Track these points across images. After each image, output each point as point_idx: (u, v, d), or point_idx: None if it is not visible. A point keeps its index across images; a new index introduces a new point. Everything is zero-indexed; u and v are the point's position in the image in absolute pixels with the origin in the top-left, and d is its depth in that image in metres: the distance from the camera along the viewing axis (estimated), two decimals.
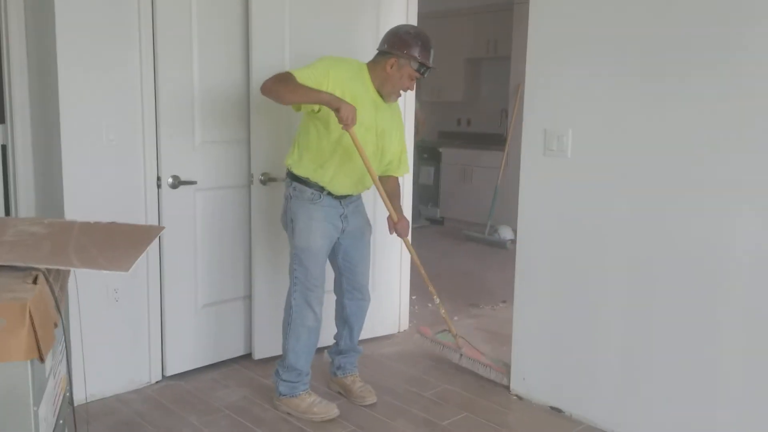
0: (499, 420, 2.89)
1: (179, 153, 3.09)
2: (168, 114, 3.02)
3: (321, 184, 2.78)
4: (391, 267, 3.83)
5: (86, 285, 2.86)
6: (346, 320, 3.06)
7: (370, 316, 3.71)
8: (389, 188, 3.00)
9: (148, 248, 1.65)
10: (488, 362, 3.24)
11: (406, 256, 3.90)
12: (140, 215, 2.99)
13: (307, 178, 2.78)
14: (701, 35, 2.40)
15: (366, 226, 3.02)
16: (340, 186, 2.81)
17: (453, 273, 5.42)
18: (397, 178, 3.06)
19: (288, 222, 2.84)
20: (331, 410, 2.86)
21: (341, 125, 2.58)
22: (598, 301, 2.78)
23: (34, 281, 1.35)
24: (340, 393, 3.10)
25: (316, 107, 2.64)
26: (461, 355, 3.31)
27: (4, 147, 3.02)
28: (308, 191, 2.78)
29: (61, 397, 1.72)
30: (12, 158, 3.00)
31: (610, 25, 2.65)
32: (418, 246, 5.54)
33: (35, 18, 2.89)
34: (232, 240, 3.35)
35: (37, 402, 1.34)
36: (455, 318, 4.22)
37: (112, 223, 1.71)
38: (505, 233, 6.12)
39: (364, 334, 3.74)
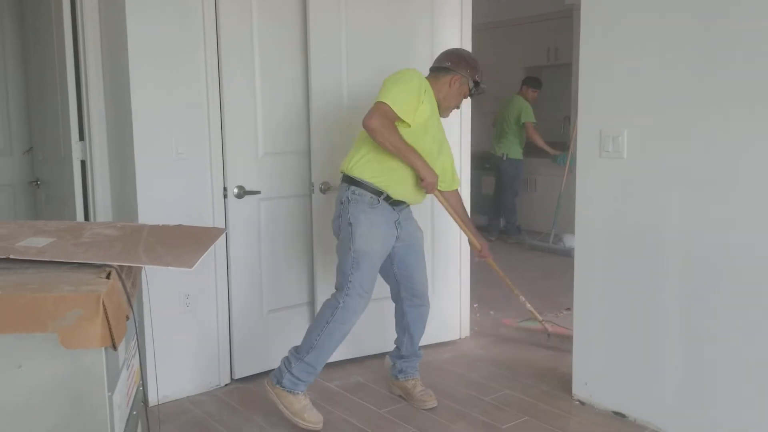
0: (560, 424, 2.87)
1: (244, 164, 3.23)
2: (233, 127, 3.17)
3: (382, 187, 2.80)
4: (451, 274, 3.87)
5: (160, 292, 3.03)
6: (407, 327, 3.09)
7: (430, 323, 3.74)
8: (455, 203, 3.11)
9: (210, 248, 1.76)
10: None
11: (466, 263, 3.93)
12: (208, 224, 3.14)
13: (368, 181, 2.80)
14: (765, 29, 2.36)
15: (418, 232, 3.05)
16: (402, 191, 2.85)
17: (517, 282, 5.32)
18: (458, 192, 3.15)
19: (345, 226, 2.83)
20: (320, 421, 2.83)
21: (423, 188, 2.82)
22: (658, 303, 2.73)
23: (108, 276, 1.46)
24: (401, 396, 3.13)
25: (411, 118, 2.73)
26: (549, 334, 3.45)
27: (83, 162, 3.23)
28: (368, 195, 2.81)
29: (135, 390, 1.83)
30: (90, 172, 3.20)
31: (663, 24, 2.63)
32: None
33: (110, 41, 3.09)
34: (295, 247, 3.46)
35: (112, 388, 1.44)
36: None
37: (179, 225, 1.84)
38: (569, 241, 6.03)
39: (425, 340, 3.78)
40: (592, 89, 2.91)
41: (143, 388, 2.14)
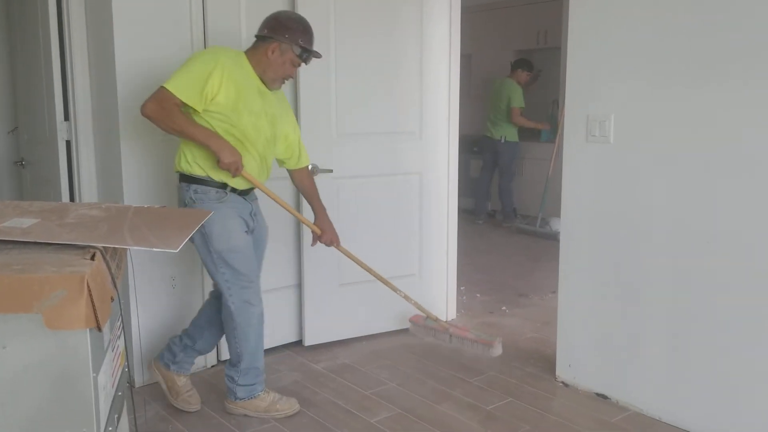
0: (543, 405, 2.91)
1: None
2: None
3: (223, 178, 2.62)
4: (438, 256, 3.88)
5: (146, 274, 3.03)
6: (218, 324, 2.85)
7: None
8: (307, 184, 2.92)
9: (195, 230, 1.76)
10: (474, 337, 3.16)
11: (453, 244, 3.95)
12: None
13: (206, 176, 2.61)
14: (752, 17, 2.37)
15: (264, 230, 2.88)
16: (238, 180, 2.64)
17: (503, 264, 5.43)
18: (309, 170, 2.95)
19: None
20: (293, 405, 2.83)
21: (229, 172, 2.53)
22: (642, 287, 2.76)
23: (92, 258, 1.46)
24: (160, 384, 2.93)
25: (209, 98, 2.51)
26: (450, 335, 3.21)
27: (68, 142, 3.20)
28: (212, 191, 2.62)
29: (120, 371, 1.84)
30: (76, 152, 3.18)
31: (653, 8, 2.63)
32: (469, 238, 5.59)
33: (94, 19, 3.05)
34: (282, 229, 3.46)
35: (96, 369, 1.45)
36: (504, 308, 4.25)
37: (164, 207, 1.83)
38: (556, 225, 6.06)
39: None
40: (579, 73, 2.91)
41: (129, 370, 2.15)
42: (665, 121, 2.63)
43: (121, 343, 1.86)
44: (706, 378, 2.59)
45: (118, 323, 1.81)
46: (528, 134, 6.94)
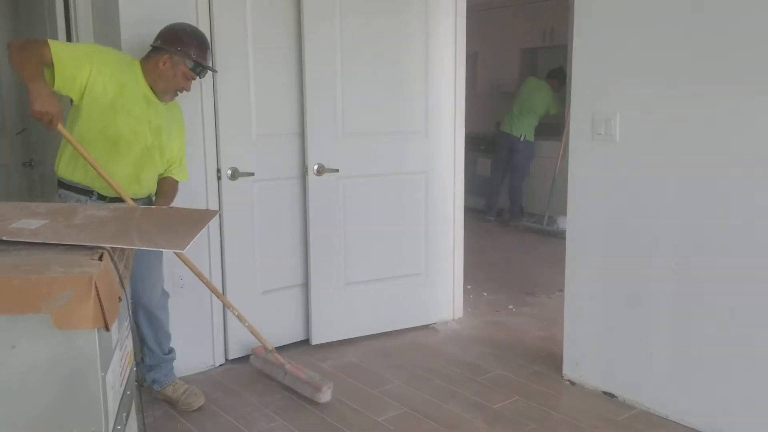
0: (550, 404, 2.91)
1: (237, 146, 3.23)
2: (226, 108, 3.17)
3: (87, 184, 2.53)
4: (445, 255, 3.88)
5: None
6: (144, 338, 2.87)
7: (424, 302, 3.78)
8: (164, 187, 2.78)
9: (203, 229, 1.77)
10: (307, 378, 2.96)
11: (459, 243, 3.95)
12: (202, 206, 3.14)
13: (70, 180, 2.54)
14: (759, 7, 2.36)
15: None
16: (105, 186, 2.52)
17: (510, 263, 5.43)
18: (174, 180, 2.83)
19: None
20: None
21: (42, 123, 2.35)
22: (649, 285, 2.76)
23: (100, 258, 1.47)
24: (167, 402, 2.94)
25: (82, 82, 2.42)
26: (285, 372, 3.04)
27: None
28: (74, 197, 2.52)
29: (128, 370, 1.85)
30: None
31: (659, 4, 2.62)
32: (476, 237, 5.58)
33: (101, 18, 3.07)
34: (289, 229, 3.48)
35: (105, 368, 1.46)
36: (510, 307, 4.25)
37: (171, 207, 1.84)
38: (563, 223, 6.04)
39: (419, 320, 3.82)
40: (585, 71, 2.91)
41: (137, 369, 2.17)
42: (672, 121, 2.62)
43: (129, 342, 1.87)
44: (714, 376, 2.58)
45: (126, 323, 1.83)
46: (535, 132, 6.93)
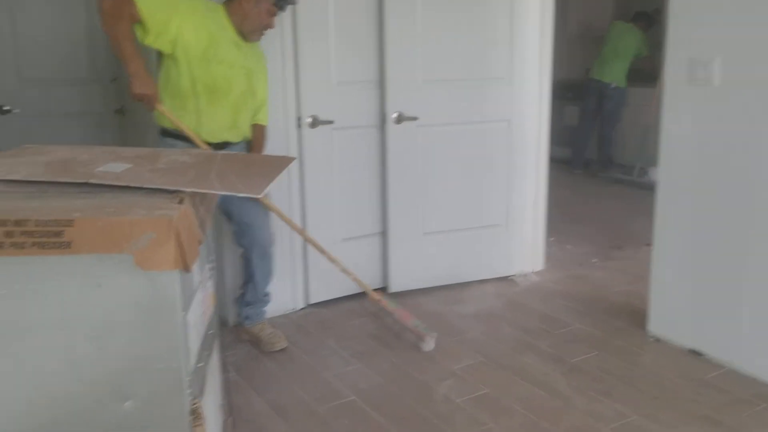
0: (632, 360, 2.83)
1: (317, 93, 3.23)
2: (305, 56, 3.16)
3: (193, 130, 2.59)
4: (526, 205, 3.79)
5: None
6: (252, 275, 2.97)
7: (503, 254, 3.72)
8: (257, 134, 2.85)
9: (280, 175, 1.79)
10: (412, 327, 3.03)
11: (542, 194, 3.85)
12: (282, 153, 3.17)
13: (174, 129, 2.59)
14: None
15: None
16: (209, 132, 2.62)
17: (596, 216, 5.27)
18: (263, 127, 2.88)
19: None
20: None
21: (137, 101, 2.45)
22: (743, 240, 2.60)
23: (180, 202, 1.51)
24: (250, 342, 3.06)
25: (164, 34, 2.47)
26: (393, 317, 3.13)
27: None
28: (180, 144, 2.57)
29: (210, 311, 1.92)
30: None
31: None
32: (561, 188, 5.43)
33: None
34: (368, 177, 3.48)
35: (186, 308, 1.51)
36: (594, 260, 4.13)
37: (249, 154, 1.86)
38: (655, 174, 5.79)
39: (499, 271, 3.78)
40: (682, 12, 2.71)
41: (221, 310, 2.24)
42: None
43: (211, 284, 1.93)
44: None
45: (209, 265, 1.88)
46: (628, 78, 6.60)
